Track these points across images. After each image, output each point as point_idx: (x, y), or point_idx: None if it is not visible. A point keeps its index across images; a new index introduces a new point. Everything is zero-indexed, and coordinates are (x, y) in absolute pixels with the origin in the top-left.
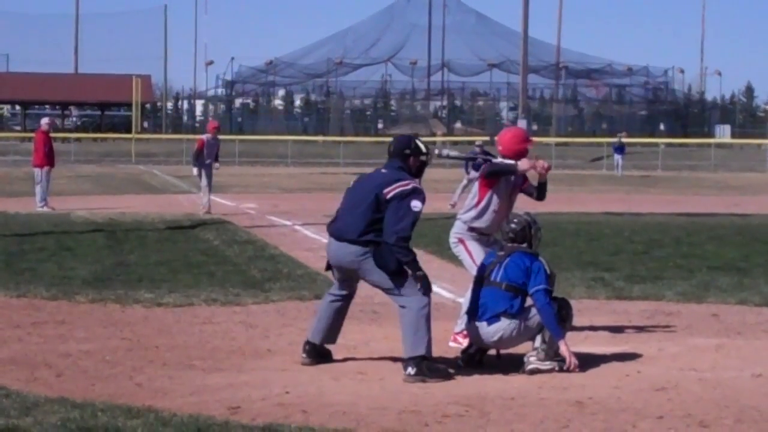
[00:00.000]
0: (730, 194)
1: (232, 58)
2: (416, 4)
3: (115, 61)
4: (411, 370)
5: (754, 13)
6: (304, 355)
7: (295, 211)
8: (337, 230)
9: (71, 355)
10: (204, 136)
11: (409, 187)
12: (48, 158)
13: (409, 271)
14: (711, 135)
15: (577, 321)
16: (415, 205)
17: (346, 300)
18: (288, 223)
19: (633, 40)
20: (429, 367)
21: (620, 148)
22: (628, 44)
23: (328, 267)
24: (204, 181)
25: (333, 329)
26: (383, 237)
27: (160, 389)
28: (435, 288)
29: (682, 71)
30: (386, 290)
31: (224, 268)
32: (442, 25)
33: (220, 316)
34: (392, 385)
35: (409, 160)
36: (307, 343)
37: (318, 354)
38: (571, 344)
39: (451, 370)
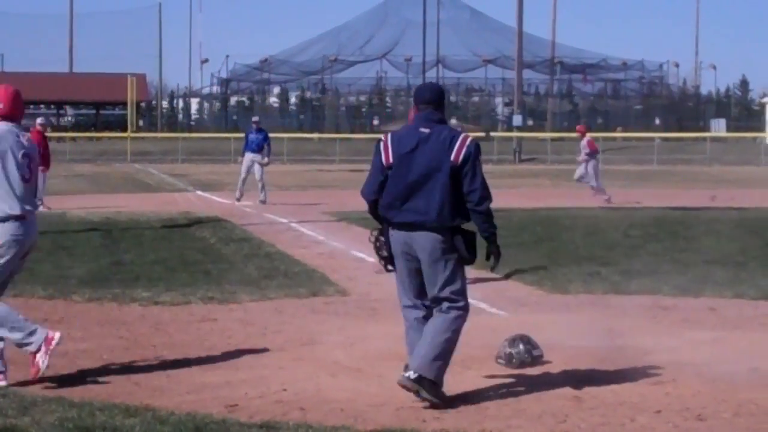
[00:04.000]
0: (725, 188)
1: (227, 56)
2: (410, 1)
3: (110, 60)
4: (413, 375)
5: (749, 7)
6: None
7: (291, 209)
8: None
9: (68, 354)
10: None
11: (470, 141)
12: (43, 159)
13: (491, 247)
14: (706, 129)
15: (574, 316)
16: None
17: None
18: (284, 220)
19: (628, 35)
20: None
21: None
22: (623, 39)
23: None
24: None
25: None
26: (472, 206)
27: (157, 388)
28: None
29: (677, 65)
30: (437, 293)
31: (221, 266)
32: (436, 21)
33: (217, 313)
34: (390, 381)
35: (443, 109)
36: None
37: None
38: (569, 339)
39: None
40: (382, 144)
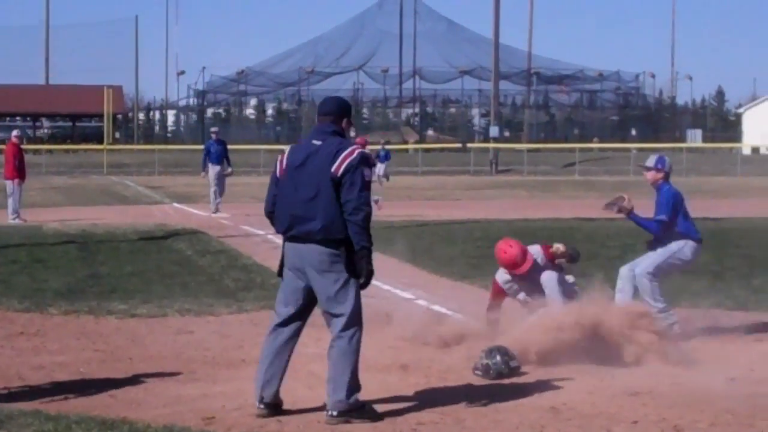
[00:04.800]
0: (702, 198)
1: (204, 68)
2: (387, 12)
3: (87, 71)
4: (334, 413)
5: (725, 18)
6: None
7: (267, 221)
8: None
9: (45, 367)
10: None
11: (357, 153)
12: (18, 171)
13: (361, 263)
14: (682, 139)
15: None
16: (367, 174)
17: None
18: (261, 232)
19: (604, 46)
20: (359, 410)
21: (385, 155)
22: (600, 50)
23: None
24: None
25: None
26: (347, 216)
27: (134, 400)
28: (408, 295)
29: (653, 76)
30: (328, 308)
31: (197, 278)
32: (413, 32)
33: (193, 326)
34: (367, 393)
35: (342, 122)
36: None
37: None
38: (544, 351)
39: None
40: (279, 157)
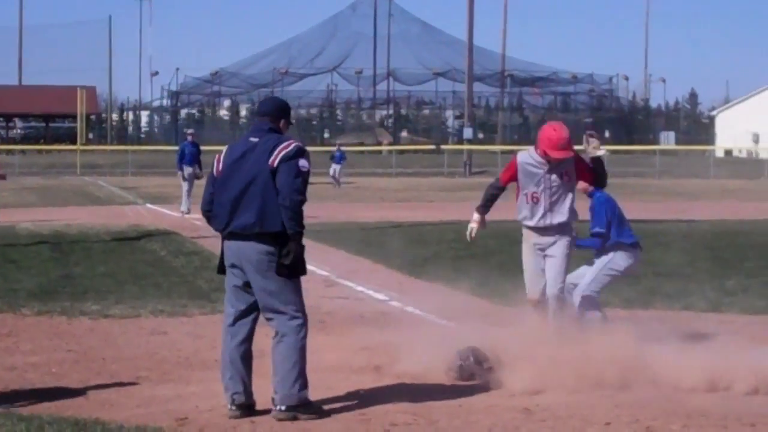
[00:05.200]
0: (675, 200)
1: (177, 69)
2: (361, 14)
3: (60, 72)
4: (282, 407)
5: (698, 21)
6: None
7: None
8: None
9: (17, 367)
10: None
11: (293, 146)
12: None
13: (291, 245)
14: (656, 142)
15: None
16: (303, 165)
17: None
18: None
19: (578, 48)
20: (306, 405)
21: (340, 156)
22: (573, 52)
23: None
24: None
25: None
26: (281, 202)
27: (107, 401)
28: (381, 296)
29: (626, 78)
30: (270, 304)
31: (171, 279)
32: (387, 34)
33: (167, 327)
34: (340, 393)
35: (280, 122)
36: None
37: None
38: (516, 353)
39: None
40: (216, 156)
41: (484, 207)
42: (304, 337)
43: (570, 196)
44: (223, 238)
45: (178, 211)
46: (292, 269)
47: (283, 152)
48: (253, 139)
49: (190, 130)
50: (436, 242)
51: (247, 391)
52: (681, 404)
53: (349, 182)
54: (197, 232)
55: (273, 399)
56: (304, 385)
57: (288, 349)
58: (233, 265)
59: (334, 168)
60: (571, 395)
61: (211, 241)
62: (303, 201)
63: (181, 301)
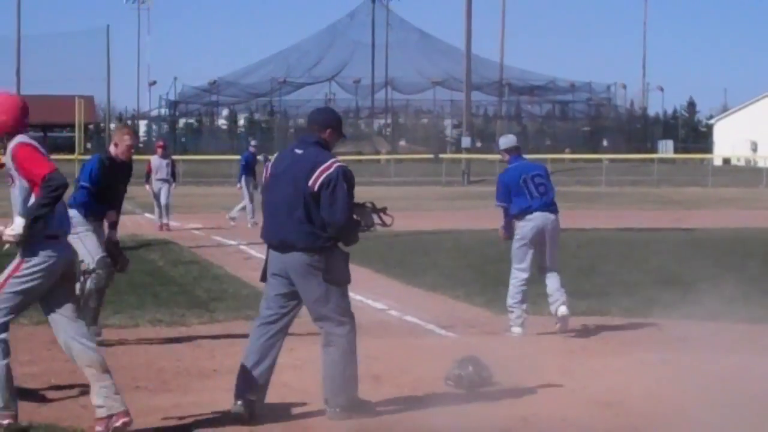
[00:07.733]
0: (673, 209)
1: (175, 78)
2: (359, 23)
3: (58, 82)
4: (337, 409)
5: (696, 29)
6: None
7: (239, 231)
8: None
9: (16, 377)
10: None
11: (334, 169)
12: None
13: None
14: (654, 150)
15: (523, 338)
16: (345, 188)
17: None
18: (233, 242)
19: (576, 57)
20: (357, 404)
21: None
22: (571, 61)
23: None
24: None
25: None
26: (330, 232)
27: None
28: (380, 305)
29: (624, 87)
30: (317, 311)
31: (169, 288)
32: (385, 43)
33: (165, 336)
34: None
35: (326, 131)
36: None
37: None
38: (518, 360)
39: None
40: (266, 164)
41: None
42: (353, 340)
43: None
44: (269, 248)
45: (178, 220)
46: (338, 279)
47: (324, 175)
48: (298, 151)
49: (253, 142)
50: (434, 251)
51: (260, 393)
52: (679, 414)
53: None
54: (196, 241)
55: (326, 400)
56: (355, 387)
57: (336, 352)
58: (277, 274)
59: None
60: (569, 405)
61: (210, 251)
62: (348, 223)
63: (179, 311)
